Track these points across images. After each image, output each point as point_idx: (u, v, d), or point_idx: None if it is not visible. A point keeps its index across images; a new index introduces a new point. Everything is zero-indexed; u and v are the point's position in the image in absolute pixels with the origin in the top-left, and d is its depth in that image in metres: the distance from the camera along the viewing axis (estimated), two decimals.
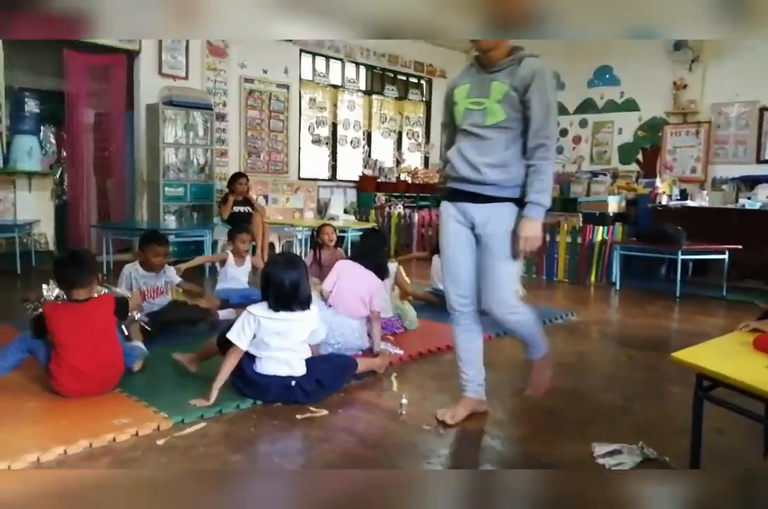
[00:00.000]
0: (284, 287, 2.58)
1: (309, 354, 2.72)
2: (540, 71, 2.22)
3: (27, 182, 5.93)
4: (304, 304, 2.66)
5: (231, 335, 2.57)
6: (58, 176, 6.80)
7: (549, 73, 2.25)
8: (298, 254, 6.75)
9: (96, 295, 2.74)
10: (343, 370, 2.83)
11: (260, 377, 2.60)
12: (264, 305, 2.61)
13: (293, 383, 2.60)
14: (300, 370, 2.64)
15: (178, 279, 3.82)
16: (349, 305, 3.32)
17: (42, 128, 6.88)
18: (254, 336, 2.58)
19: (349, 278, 3.38)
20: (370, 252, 3.56)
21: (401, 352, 3.40)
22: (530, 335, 2.43)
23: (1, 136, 5.73)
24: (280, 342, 2.60)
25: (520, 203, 2.27)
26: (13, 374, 2.69)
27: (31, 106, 6.20)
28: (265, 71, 7.70)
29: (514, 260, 2.32)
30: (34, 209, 5.99)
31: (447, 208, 2.47)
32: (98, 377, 2.61)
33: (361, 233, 4.91)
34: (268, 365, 2.61)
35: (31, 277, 5.53)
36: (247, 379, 2.61)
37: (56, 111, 6.42)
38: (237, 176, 6.30)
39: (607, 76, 8.51)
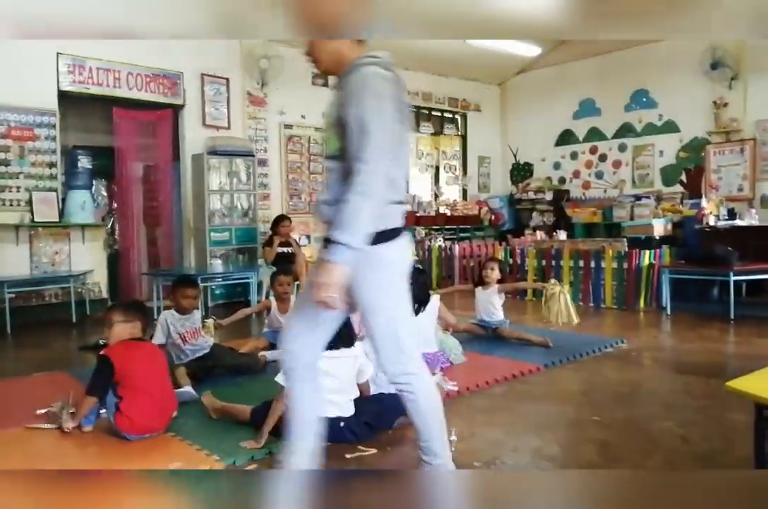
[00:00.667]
0: None
1: (357, 394, 2.73)
2: (359, 79, 1.78)
3: (81, 234, 6.20)
4: (348, 341, 2.69)
5: (279, 378, 2.59)
6: (109, 227, 7.09)
7: (374, 79, 1.78)
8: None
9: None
10: (392, 411, 2.82)
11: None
12: None
13: (342, 424, 2.61)
14: (349, 411, 2.65)
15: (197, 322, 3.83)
16: None
17: (94, 182, 7.21)
18: None
19: None
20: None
21: (456, 388, 3.36)
22: (423, 423, 2.01)
23: (57, 192, 6.03)
24: (327, 382, 2.61)
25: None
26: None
27: (84, 162, 6.51)
28: (303, 116, 7.93)
29: (384, 310, 1.92)
30: (87, 259, 6.25)
31: None
32: (162, 413, 2.73)
33: None
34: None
35: (86, 325, 5.73)
36: None
37: (107, 166, 6.73)
38: (281, 219, 6.44)
39: (644, 99, 8.46)
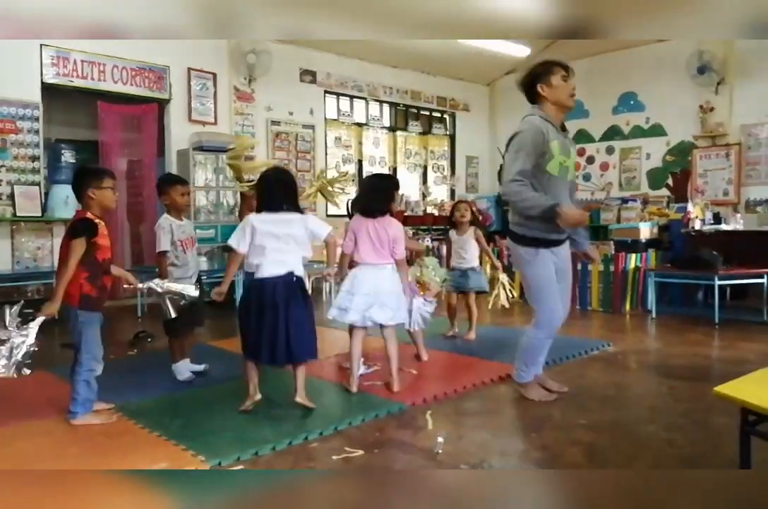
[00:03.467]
0: (272, 191, 2.86)
1: (308, 253, 2.90)
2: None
3: (64, 229, 6.07)
4: (292, 207, 2.87)
5: (231, 242, 2.82)
6: None
7: None
8: (328, 291, 6.80)
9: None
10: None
11: (261, 281, 2.77)
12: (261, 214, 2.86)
13: (294, 278, 2.78)
14: (298, 269, 2.82)
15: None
16: (373, 256, 3.33)
17: None
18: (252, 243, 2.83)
19: (363, 234, 3.34)
20: (373, 202, 3.39)
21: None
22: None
23: (39, 186, 5.94)
24: (275, 244, 2.79)
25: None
26: (53, 421, 2.74)
27: (67, 156, 6.43)
28: (290, 113, 7.89)
29: None
30: None
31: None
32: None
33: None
34: (266, 269, 2.79)
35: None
36: (251, 294, 2.81)
37: (91, 160, 6.64)
38: None
39: (632, 102, 8.51)
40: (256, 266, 2.83)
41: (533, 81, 3.12)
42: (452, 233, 4.67)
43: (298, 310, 2.82)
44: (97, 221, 2.87)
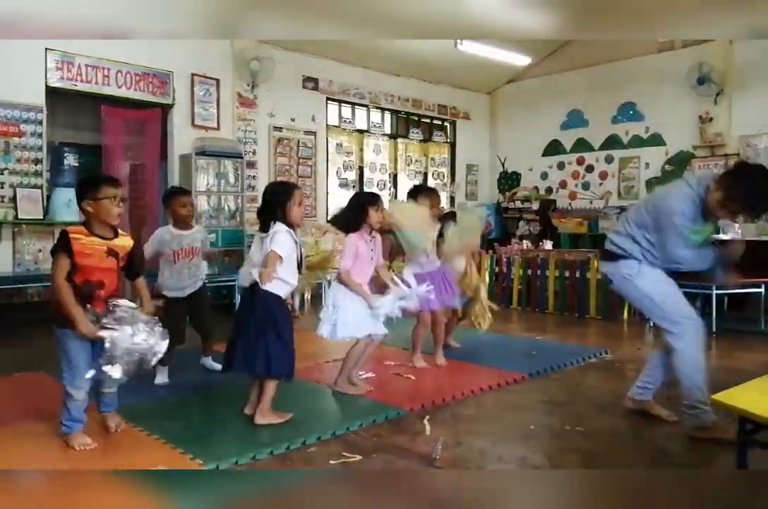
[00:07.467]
0: (260, 210, 2.98)
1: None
2: None
3: None
4: (271, 225, 2.91)
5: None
6: None
7: None
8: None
9: None
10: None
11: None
12: None
13: (255, 289, 2.88)
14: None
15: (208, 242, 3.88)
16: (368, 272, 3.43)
17: None
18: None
19: (364, 250, 3.37)
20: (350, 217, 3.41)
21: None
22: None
23: (42, 189, 5.96)
24: (256, 258, 2.98)
25: None
26: (52, 423, 2.75)
27: (70, 160, 6.44)
28: (293, 119, 7.92)
29: None
30: None
31: None
32: None
33: None
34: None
35: None
36: None
37: (94, 164, 6.67)
38: None
39: (631, 112, 8.55)
40: None
41: None
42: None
43: (252, 322, 2.85)
44: (77, 236, 2.45)
